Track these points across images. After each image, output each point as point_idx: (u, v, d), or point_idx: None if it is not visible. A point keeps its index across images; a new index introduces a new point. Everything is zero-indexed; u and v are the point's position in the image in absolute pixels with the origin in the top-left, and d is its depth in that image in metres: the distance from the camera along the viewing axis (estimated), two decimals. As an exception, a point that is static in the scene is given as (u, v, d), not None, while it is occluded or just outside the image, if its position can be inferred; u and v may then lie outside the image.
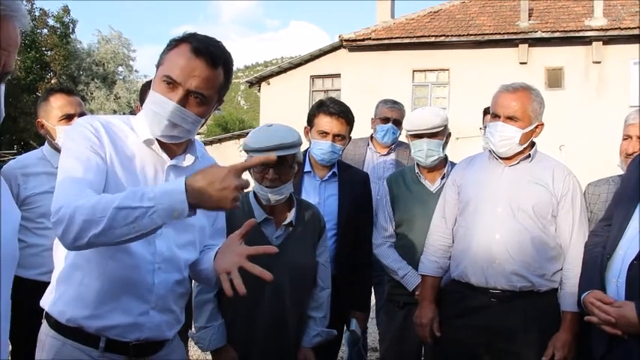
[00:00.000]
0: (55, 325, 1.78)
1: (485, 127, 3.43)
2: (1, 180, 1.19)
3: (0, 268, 1.12)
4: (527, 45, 17.01)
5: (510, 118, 2.60)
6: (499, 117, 2.62)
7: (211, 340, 2.45)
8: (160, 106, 1.71)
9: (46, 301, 1.82)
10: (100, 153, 1.71)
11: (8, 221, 1.22)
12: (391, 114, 4.15)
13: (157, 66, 1.78)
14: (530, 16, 17.41)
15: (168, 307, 1.85)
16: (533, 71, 16.31)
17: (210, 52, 1.71)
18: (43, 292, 1.92)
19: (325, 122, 3.01)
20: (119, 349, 1.77)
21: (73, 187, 1.60)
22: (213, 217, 2.01)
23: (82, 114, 3.02)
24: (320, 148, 3.02)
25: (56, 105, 2.97)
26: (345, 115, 3.04)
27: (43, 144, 3.17)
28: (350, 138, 3.17)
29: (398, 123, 4.15)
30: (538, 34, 16.78)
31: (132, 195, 1.50)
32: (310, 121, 3.10)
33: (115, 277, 1.73)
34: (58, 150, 2.90)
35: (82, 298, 1.74)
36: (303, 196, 2.96)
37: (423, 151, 3.09)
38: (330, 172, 3.14)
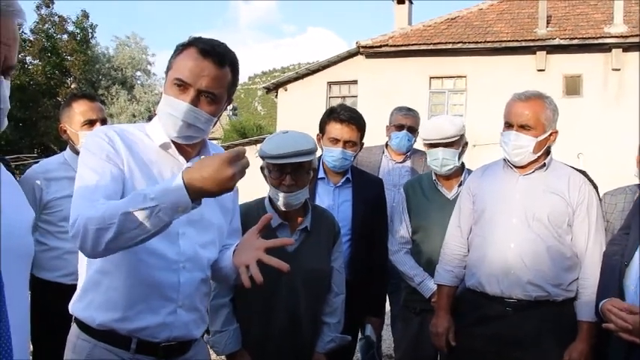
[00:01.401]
0: (85, 328, 1.82)
1: None
2: (0, 173, 1.23)
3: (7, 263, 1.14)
4: (545, 52, 16.89)
5: (523, 127, 2.59)
6: (512, 126, 2.62)
7: (226, 344, 2.48)
8: (174, 107, 1.78)
9: (76, 308, 1.86)
10: (116, 161, 1.76)
11: (22, 218, 1.27)
12: (405, 121, 4.15)
13: (167, 71, 1.85)
14: (548, 23, 17.30)
15: (195, 306, 1.90)
16: (551, 78, 16.20)
17: (216, 52, 1.78)
18: (65, 293, 1.97)
19: (336, 129, 3.02)
20: (149, 351, 1.82)
21: (86, 199, 1.66)
22: (229, 217, 2.06)
23: (103, 119, 3.08)
24: (332, 155, 3.03)
25: (78, 110, 3.03)
26: (355, 121, 3.05)
27: (62, 148, 3.22)
28: (362, 144, 3.17)
29: (412, 130, 4.15)
30: (556, 41, 16.67)
31: (135, 198, 1.55)
32: (322, 128, 3.11)
33: (143, 279, 1.77)
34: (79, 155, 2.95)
35: (111, 303, 1.78)
36: (317, 202, 2.97)
37: (439, 160, 3.11)
38: (344, 178, 3.15)
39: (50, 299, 2.63)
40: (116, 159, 1.77)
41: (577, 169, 2.84)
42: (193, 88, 1.76)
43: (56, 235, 2.91)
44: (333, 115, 3.06)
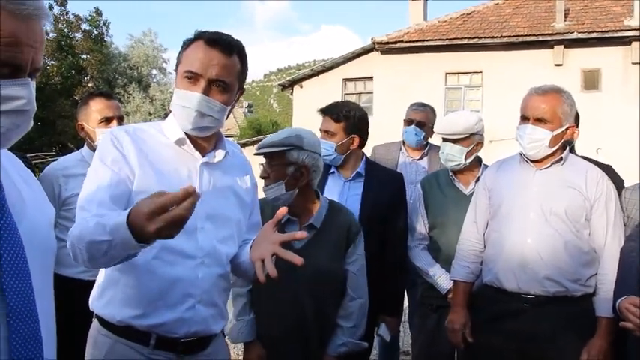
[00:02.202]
0: (106, 324, 1.85)
1: None
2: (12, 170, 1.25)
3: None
4: (562, 46, 16.73)
5: (539, 120, 2.58)
6: (528, 119, 2.61)
7: (240, 332, 2.50)
8: (187, 99, 1.80)
9: (96, 305, 1.88)
10: (122, 166, 1.78)
11: (44, 214, 1.29)
12: (415, 116, 4.16)
13: (176, 67, 1.89)
14: (566, 17, 17.12)
15: (213, 301, 1.91)
16: (569, 73, 16.04)
17: (223, 41, 1.81)
18: (85, 289, 2.00)
19: (322, 122, 3.10)
20: (169, 346, 1.83)
21: (82, 210, 1.70)
22: (248, 212, 2.07)
23: (120, 117, 3.11)
24: None
25: (95, 108, 3.05)
26: (330, 111, 3.08)
27: (80, 146, 3.26)
28: (351, 137, 3.05)
29: (421, 125, 4.14)
30: (574, 35, 16.49)
31: (97, 227, 1.52)
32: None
33: (161, 275, 1.79)
34: None
35: (130, 299, 1.80)
36: (326, 196, 2.90)
37: (444, 155, 3.18)
38: (355, 173, 3.12)
39: (70, 295, 2.66)
40: (122, 163, 1.78)
41: (602, 164, 2.82)
42: (204, 78, 1.78)
43: None
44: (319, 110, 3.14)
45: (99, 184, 1.74)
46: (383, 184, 3.14)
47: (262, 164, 2.48)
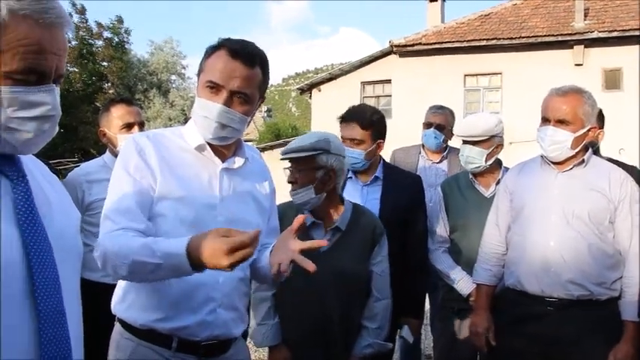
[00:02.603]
0: (128, 327, 1.87)
1: None
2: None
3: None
4: (582, 46, 16.55)
5: (561, 122, 2.55)
6: (549, 121, 2.58)
7: (265, 337, 2.51)
8: (208, 109, 1.81)
9: (118, 308, 1.91)
10: (144, 173, 1.80)
11: (70, 219, 1.32)
12: (434, 119, 4.16)
13: (198, 74, 1.88)
14: (585, 16, 16.94)
15: (234, 305, 1.93)
16: (590, 73, 15.86)
17: (246, 53, 1.81)
18: (105, 292, 2.03)
19: (341, 129, 3.03)
20: (190, 349, 1.85)
21: (109, 220, 1.74)
22: (267, 217, 2.08)
23: (141, 122, 3.15)
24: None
25: (117, 115, 3.10)
26: (356, 117, 2.99)
27: (101, 152, 3.31)
28: (377, 142, 3.05)
29: (441, 128, 4.13)
30: (594, 35, 16.31)
31: (145, 248, 1.60)
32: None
33: (183, 279, 1.79)
34: None
35: (152, 303, 1.82)
36: None
37: (463, 157, 3.17)
38: (372, 177, 3.11)
39: (94, 298, 2.69)
40: (145, 170, 1.80)
41: (627, 165, 2.79)
42: (225, 89, 1.79)
43: (98, 235, 2.98)
44: (343, 114, 3.07)
45: (123, 193, 1.76)
46: (401, 187, 3.12)
47: (288, 168, 2.49)
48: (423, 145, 4.26)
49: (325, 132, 2.54)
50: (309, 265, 1.65)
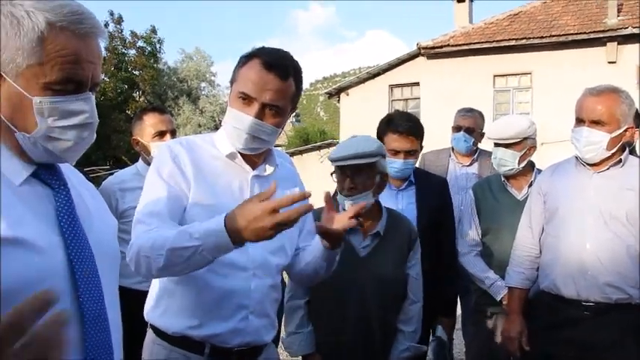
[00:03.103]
0: (161, 334, 1.90)
1: None
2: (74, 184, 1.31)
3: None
4: (616, 43, 16.18)
5: (596, 123, 2.49)
6: (584, 122, 2.53)
7: (300, 345, 2.52)
8: (239, 121, 1.82)
9: (151, 315, 1.94)
10: (179, 180, 1.82)
11: (108, 225, 1.37)
12: (463, 122, 4.12)
13: (231, 82, 1.89)
14: (619, 12, 16.57)
15: (265, 312, 1.94)
16: (624, 70, 15.50)
17: (280, 65, 1.80)
18: (138, 298, 2.06)
19: (395, 141, 2.98)
20: (222, 356, 1.87)
21: (143, 224, 1.75)
22: (301, 222, 2.08)
23: (173, 130, 3.20)
24: (394, 166, 2.99)
25: (149, 123, 3.16)
26: (414, 131, 3.00)
27: (133, 159, 3.37)
28: (422, 147, 3.13)
29: (470, 131, 4.09)
30: (629, 31, 15.91)
31: (182, 235, 1.62)
32: (380, 137, 3.04)
33: (215, 287, 1.83)
34: None
35: (185, 311, 1.85)
36: None
37: (496, 160, 3.14)
38: (406, 181, 3.14)
39: (126, 304, 2.74)
40: (179, 177, 1.82)
41: None
42: (257, 101, 1.79)
43: None
44: (391, 126, 3.01)
45: (157, 198, 1.79)
46: (432, 190, 3.17)
47: (341, 173, 2.45)
48: (453, 148, 4.23)
49: (368, 135, 2.55)
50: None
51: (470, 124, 4.12)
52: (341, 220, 1.78)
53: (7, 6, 1.11)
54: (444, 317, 3.09)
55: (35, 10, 1.11)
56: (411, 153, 3.02)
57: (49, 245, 1.13)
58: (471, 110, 4.21)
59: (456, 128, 4.15)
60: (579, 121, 2.57)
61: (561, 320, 2.56)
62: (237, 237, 1.54)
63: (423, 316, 2.79)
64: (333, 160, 2.44)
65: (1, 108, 1.15)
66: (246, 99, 1.80)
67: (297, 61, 1.89)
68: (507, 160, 3.08)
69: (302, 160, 20.50)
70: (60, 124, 1.17)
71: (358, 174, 2.41)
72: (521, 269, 2.79)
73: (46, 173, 1.22)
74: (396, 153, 2.99)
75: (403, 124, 2.98)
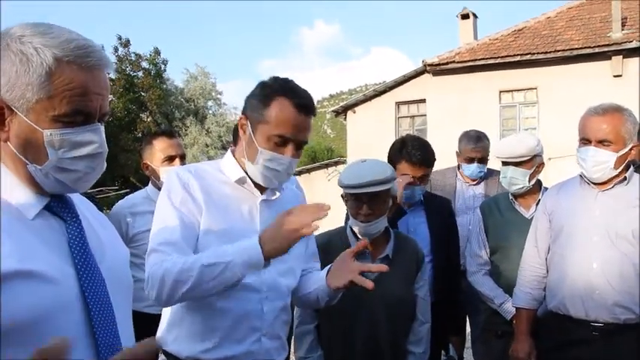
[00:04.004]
0: (174, 358, 1.91)
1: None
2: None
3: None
4: (621, 56, 16.20)
5: (602, 142, 2.49)
6: (589, 141, 2.53)
7: None
8: (278, 163, 1.86)
9: (164, 341, 1.95)
10: (190, 207, 1.86)
11: (120, 253, 1.40)
12: (475, 154, 4.00)
13: (257, 121, 1.87)
14: (623, 26, 16.59)
15: (277, 334, 1.97)
16: (630, 84, 15.47)
17: (308, 105, 1.88)
18: (149, 322, 2.08)
19: (408, 170, 3.03)
20: None
21: (159, 254, 1.78)
22: (305, 243, 2.10)
23: (182, 155, 3.24)
24: (405, 192, 3.02)
25: (159, 147, 3.19)
26: (427, 161, 3.06)
27: (141, 179, 3.41)
28: (425, 175, 3.15)
29: (483, 160, 4.04)
30: (634, 44, 15.93)
31: (213, 253, 1.71)
32: (392, 161, 3.06)
33: (229, 310, 1.86)
34: (161, 190, 3.12)
35: (198, 335, 1.87)
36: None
37: (507, 179, 3.12)
38: (416, 202, 3.19)
39: (138, 328, 2.75)
40: (190, 204, 1.86)
41: None
42: (293, 142, 1.86)
43: (141, 267, 3.03)
44: (404, 154, 3.04)
45: (171, 227, 1.82)
46: (439, 209, 3.26)
47: (354, 198, 2.45)
48: (459, 166, 4.20)
49: (377, 160, 2.59)
50: (368, 283, 1.75)
51: (482, 155, 4.02)
52: (354, 270, 1.83)
53: (17, 44, 1.15)
54: (455, 336, 3.11)
55: (43, 47, 1.15)
56: (422, 179, 3.07)
57: (62, 277, 1.15)
58: (479, 139, 4.04)
59: (468, 160, 4.04)
60: (585, 141, 2.56)
61: (570, 340, 2.55)
62: (269, 249, 1.67)
63: (437, 335, 2.81)
64: (347, 187, 2.44)
65: (13, 142, 1.18)
66: (284, 140, 1.85)
67: (311, 95, 1.96)
68: (518, 179, 3.08)
69: (309, 179, 20.54)
70: (70, 155, 1.20)
71: (375, 200, 2.43)
72: (528, 289, 2.78)
73: (57, 205, 1.25)
74: (409, 179, 3.02)
75: (417, 154, 3.02)
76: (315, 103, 2.18)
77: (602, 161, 2.50)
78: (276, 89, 1.87)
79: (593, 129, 2.52)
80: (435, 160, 3.14)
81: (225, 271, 1.67)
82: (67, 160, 1.20)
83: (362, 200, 2.42)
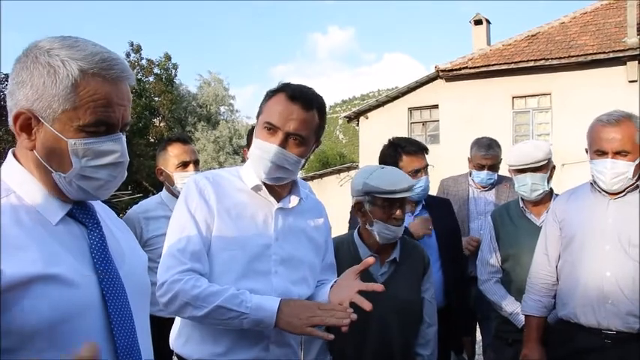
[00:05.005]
0: None
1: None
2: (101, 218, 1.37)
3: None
4: (636, 62, 16.06)
5: (619, 153, 2.47)
6: (606, 153, 2.49)
7: None
8: (264, 150, 1.88)
9: (176, 344, 2.01)
10: (205, 215, 1.90)
11: (139, 259, 1.44)
12: (485, 162, 4.00)
13: (258, 116, 1.97)
14: (638, 31, 16.43)
15: (286, 342, 1.98)
16: (645, 89, 15.38)
17: (304, 97, 1.89)
18: (163, 325, 2.14)
19: (413, 162, 3.15)
20: None
21: (175, 259, 1.84)
22: (322, 254, 2.13)
23: (196, 161, 3.28)
24: (419, 185, 3.15)
25: (173, 154, 3.24)
26: (424, 149, 3.25)
27: (154, 184, 3.45)
28: (427, 164, 3.27)
29: (493, 167, 4.03)
30: (648, 49, 15.81)
31: (233, 298, 1.77)
32: (389, 163, 3.09)
33: None
34: (175, 195, 3.15)
35: (208, 339, 1.90)
36: None
37: (527, 186, 3.07)
38: (420, 206, 3.25)
39: (152, 333, 2.78)
40: (205, 211, 1.90)
41: None
42: (282, 131, 1.86)
43: (155, 270, 3.07)
44: (400, 150, 3.18)
45: (187, 233, 1.87)
46: (442, 211, 3.33)
47: (379, 204, 2.48)
48: (471, 172, 4.20)
49: (393, 167, 2.69)
50: (366, 305, 1.76)
51: (492, 162, 4.01)
52: (354, 289, 1.84)
53: (45, 56, 1.20)
54: (465, 336, 3.14)
55: (69, 60, 1.20)
56: (425, 169, 3.20)
57: (84, 281, 1.19)
58: (490, 146, 4.02)
59: (479, 167, 4.04)
60: (600, 153, 2.52)
61: (581, 348, 2.53)
62: (282, 325, 1.76)
63: (449, 337, 2.83)
64: (387, 192, 2.43)
65: (39, 150, 1.23)
66: (271, 129, 1.87)
67: (321, 96, 1.96)
68: (538, 184, 3.05)
69: (322, 184, 20.55)
70: (93, 164, 1.24)
71: (404, 204, 2.51)
72: (537, 297, 2.77)
73: (80, 212, 1.29)
74: (416, 173, 3.10)
75: (413, 146, 3.20)
76: (328, 108, 2.19)
77: (621, 172, 2.47)
78: (279, 87, 1.94)
79: (609, 140, 2.48)
80: (427, 151, 3.30)
81: (235, 320, 1.77)
82: (89, 169, 1.24)
83: (396, 205, 2.46)
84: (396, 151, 3.17)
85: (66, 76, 1.18)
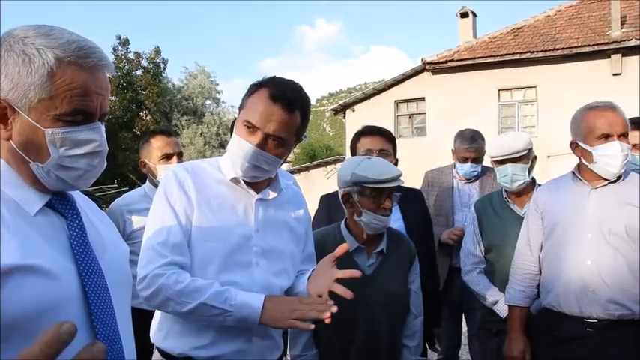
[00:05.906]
0: (166, 355, 1.94)
1: None
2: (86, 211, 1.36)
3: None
4: (620, 55, 16.22)
5: (622, 135, 2.46)
6: (610, 136, 2.46)
7: None
8: (241, 149, 1.85)
9: (156, 337, 1.98)
10: (184, 206, 1.87)
11: (120, 251, 1.42)
12: (469, 155, 4.01)
13: (240, 109, 1.93)
14: (622, 24, 16.61)
15: (269, 333, 1.97)
16: (629, 82, 15.50)
17: (286, 98, 1.83)
18: (145, 318, 2.10)
19: (368, 142, 3.15)
20: None
21: (156, 252, 1.80)
22: (302, 244, 2.12)
23: (179, 153, 3.25)
24: None
25: (156, 146, 3.21)
26: (384, 132, 3.22)
27: (140, 177, 3.43)
28: (397, 159, 3.20)
29: (477, 160, 4.04)
30: (633, 42, 15.94)
31: (217, 295, 1.75)
32: (354, 148, 3.22)
33: None
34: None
35: (189, 332, 1.89)
36: None
37: (508, 177, 3.09)
38: None
39: (134, 324, 2.77)
40: (185, 203, 1.87)
41: None
42: (261, 131, 1.82)
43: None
44: (360, 133, 3.22)
45: (166, 225, 1.84)
46: (413, 203, 3.27)
47: (368, 194, 2.45)
48: (455, 165, 4.21)
49: (379, 158, 2.67)
50: (347, 293, 1.75)
51: (476, 155, 4.02)
52: (331, 278, 1.84)
53: (20, 45, 1.18)
54: (435, 327, 3.16)
55: (45, 48, 1.17)
56: (385, 152, 3.12)
57: (63, 272, 1.18)
58: (473, 139, 4.01)
59: (462, 159, 4.05)
60: (605, 137, 2.48)
61: (564, 337, 2.55)
62: (266, 321, 1.76)
63: (427, 329, 2.85)
64: (375, 182, 2.40)
65: (16, 140, 1.21)
66: (251, 128, 1.83)
67: (305, 94, 1.91)
68: (519, 175, 3.07)
69: (308, 177, 20.54)
70: (71, 154, 1.23)
71: (392, 194, 2.49)
72: (521, 287, 2.78)
73: (59, 202, 1.27)
74: (377, 153, 3.05)
75: (371, 127, 3.24)
76: (315, 101, 2.17)
77: (627, 155, 2.47)
78: (263, 82, 1.89)
79: (614, 123, 2.46)
80: (394, 138, 3.28)
81: (219, 317, 1.76)
82: (68, 159, 1.22)
83: (384, 195, 2.45)
84: (357, 135, 3.23)
85: (42, 65, 1.16)
